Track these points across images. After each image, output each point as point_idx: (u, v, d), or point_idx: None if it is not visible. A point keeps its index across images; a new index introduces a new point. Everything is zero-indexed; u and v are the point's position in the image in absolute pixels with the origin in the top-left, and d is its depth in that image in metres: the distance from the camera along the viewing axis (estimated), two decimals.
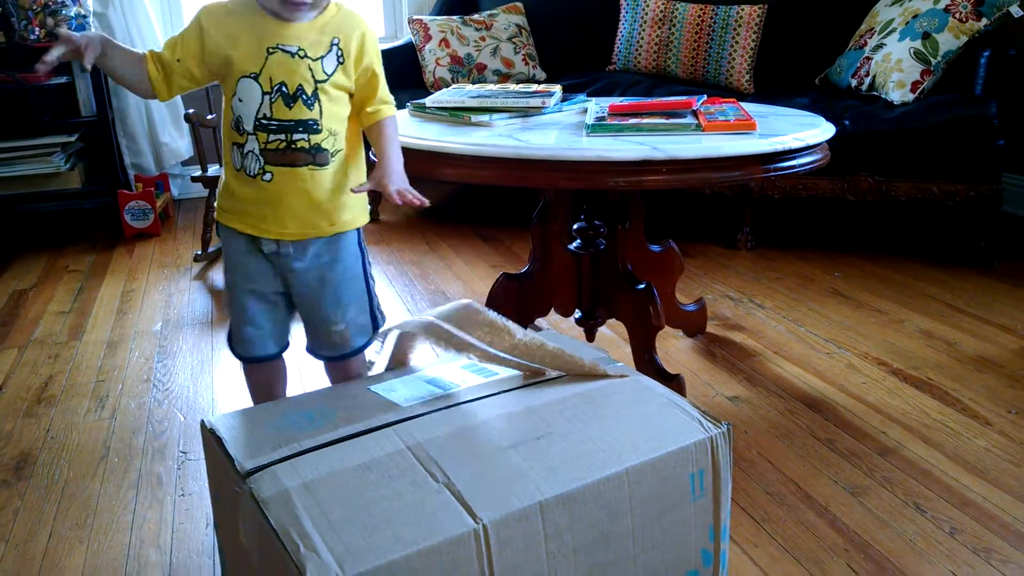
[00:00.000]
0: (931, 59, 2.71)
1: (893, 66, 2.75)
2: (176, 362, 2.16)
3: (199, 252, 2.97)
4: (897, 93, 2.73)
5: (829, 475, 1.57)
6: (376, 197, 3.46)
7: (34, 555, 1.40)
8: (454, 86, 2.06)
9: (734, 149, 1.50)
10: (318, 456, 1.08)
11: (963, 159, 2.59)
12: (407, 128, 1.72)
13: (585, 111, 1.86)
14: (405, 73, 3.45)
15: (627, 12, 3.34)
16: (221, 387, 2.01)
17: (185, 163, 3.83)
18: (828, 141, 1.69)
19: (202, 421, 1.20)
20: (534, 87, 1.98)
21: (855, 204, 2.82)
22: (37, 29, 3.10)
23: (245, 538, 1.08)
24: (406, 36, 3.69)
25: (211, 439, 1.17)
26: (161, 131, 3.63)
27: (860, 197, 2.71)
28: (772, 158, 1.55)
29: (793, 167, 1.59)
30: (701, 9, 3.18)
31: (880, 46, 2.83)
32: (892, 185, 2.67)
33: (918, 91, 2.72)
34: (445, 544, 0.94)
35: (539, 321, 2.28)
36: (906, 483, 1.54)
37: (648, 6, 3.27)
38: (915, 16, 2.78)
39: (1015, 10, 2.65)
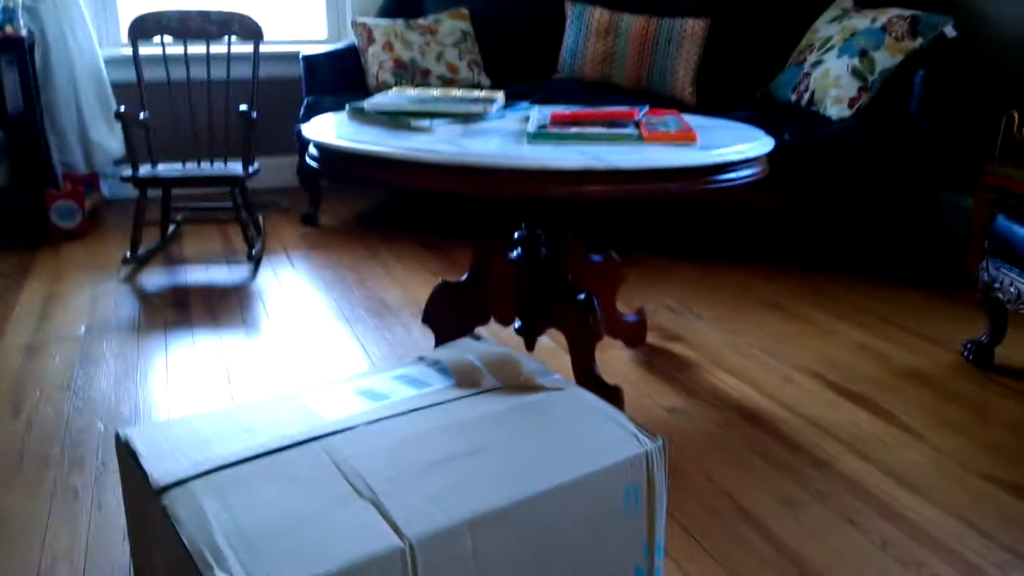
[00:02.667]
0: (868, 76, 2.76)
1: (831, 82, 2.80)
2: (99, 369, 2.07)
3: (128, 254, 2.86)
4: (835, 109, 2.77)
5: (764, 488, 1.57)
6: (316, 200, 3.40)
7: None
8: (395, 89, 2.02)
9: (675, 160, 1.50)
10: (238, 471, 1.03)
11: (898, 175, 2.64)
12: (345, 131, 1.68)
13: (527, 119, 1.84)
14: (347, 76, 3.40)
15: (572, 22, 3.34)
16: (145, 396, 1.93)
17: (118, 162, 3.70)
18: (767, 154, 1.69)
19: (116, 432, 1.14)
20: (476, 93, 1.95)
21: (794, 217, 2.85)
22: None
23: (158, 557, 1.03)
24: (349, 38, 3.63)
25: (125, 452, 1.11)
26: (92, 128, 3.51)
27: (798, 210, 2.75)
28: (712, 170, 1.55)
29: (733, 180, 1.59)
30: (646, 21, 3.20)
31: (819, 62, 2.88)
32: (830, 199, 2.71)
33: (855, 107, 2.77)
34: (369, 563, 0.90)
35: (478, 330, 2.25)
36: (840, 496, 1.54)
37: (593, 16, 3.28)
38: (853, 34, 2.83)
39: (949, 31, 2.72)
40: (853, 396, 1.94)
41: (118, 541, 1.40)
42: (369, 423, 1.14)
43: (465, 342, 1.39)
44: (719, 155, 1.53)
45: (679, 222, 2.96)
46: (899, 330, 2.33)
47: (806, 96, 2.89)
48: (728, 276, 2.78)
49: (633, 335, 2.21)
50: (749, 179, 1.64)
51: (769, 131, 1.91)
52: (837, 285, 2.69)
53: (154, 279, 2.74)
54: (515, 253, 1.89)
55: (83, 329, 2.32)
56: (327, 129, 1.70)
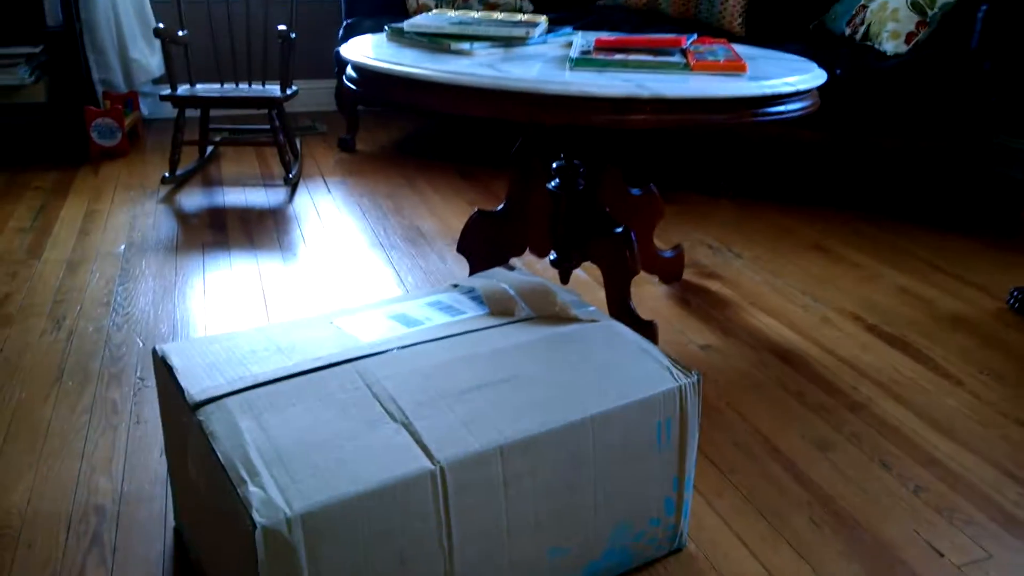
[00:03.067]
0: (927, 10, 2.63)
1: (888, 15, 2.68)
2: (138, 286, 2.10)
3: (167, 174, 2.87)
4: (891, 44, 2.66)
5: (797, 429, 1.55)
6: (354, 125, 3.37)
7: None
8: (435, 11, 1.97)
9: (722, 91, 1.44)
10: (272, 390, 1.03)
11: (954, 115, 2.55)
12: (383, 52, 1.64)
13: (570, 44, 1.79)
14: None
15: None
16: (182, 314, 1.96)
17: (156, 81, 3.69)
18: (819, 88, 1.63)
19: (154, 348, 1.15)
20: (519, 16, 1.90)
21: (841, 156, 2.77)
22: None
23: (194, 470, 1.04)
24: None
25: (162, 367, 1.12)
26: (131, 46, 3.49)
27: (846, 149, 2.67)
28: (761, 102, 1.49)
29: (782, 113, 1.54)
30: None
31: None
32: (881, 138, 2.62)
33: (912, 42, 2.65)
34: (399, 484, 0.91)
35: (513, 261, 2.24)
36: (874, 440, 1.52)
37: None
38: None
39: None
40: (893, 340, 1.91)
41: (156, 454, 1.43)
42: (402, 347, 1.13)
43: (499, 271, 1.37)
44: (769, 86, 1.48)
45: (722, 158, 2.89)
46: (944, 275, 2.27)
47: (861, 30, 2.77)
48: (769, 215, 2.72)
49: (670, 271, 2.18)
50: (799, 113, 1.58)
51: (821, 64, 1.84)
52: (882, 228, 2.62)
53: (192, 199, 2.75)
54: (553, 184, 1.86)
55: (122, 247, 2.34)
56: (365, 50, 1.66)
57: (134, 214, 2.60)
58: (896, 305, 2.09)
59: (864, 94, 2.59)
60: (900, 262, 2.36)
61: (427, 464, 0.92)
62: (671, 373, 1.11)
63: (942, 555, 1.24)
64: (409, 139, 3.60)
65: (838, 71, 2.56)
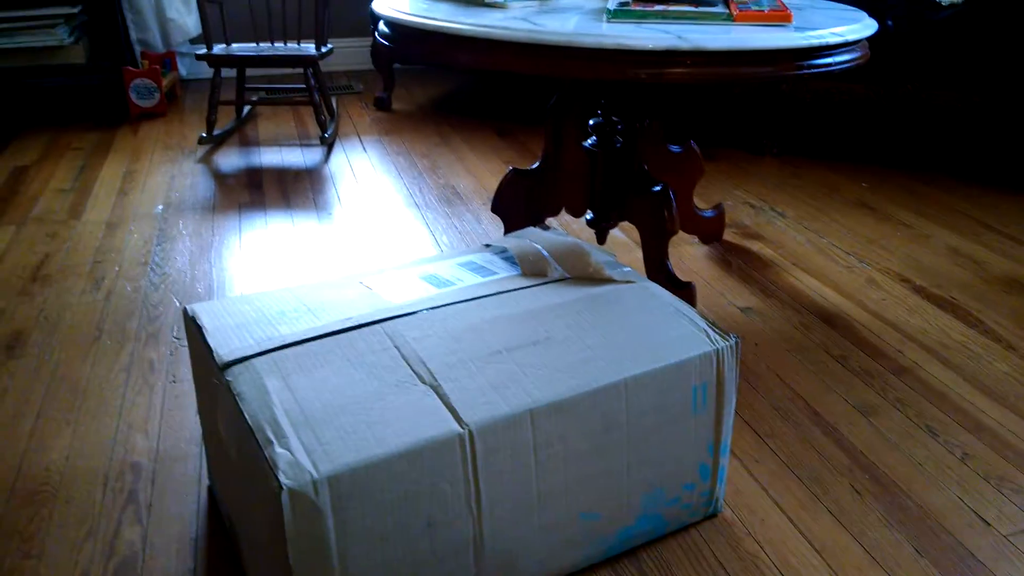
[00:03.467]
0: None
1: None
2: (175, 246, 2.10)
3: (204, 135, 2.88)
4: None
5: (840, 393, 1.51)
6: (389, 84, 3.33)
7: (20, 435, 1.38)
8: None
9: (767, 42, 1.38)
10: (300, 351, 1.02)
11: (1012, 70, 2.43)
12: (416, 6, 1.60)
13: None
14: None
15: None
16: (219, 274, 1.96)
17: (194, 41, 3.69)
18: (868, 40, 1.56)
19: (184, 308, 1.14)
20: None
21: (890, 111, 2.67)
22: None
23: (223, 430, 1.04)
24: None
25: (193, 327, 1.12)
26: (168, 6, 3.48)
27: (896, 104, 2.57)
28: (807, 54, 1.43)
29: (830, 65, 1.47)
30: None
31: None
32: (933, 93, 2.52)
33: None
34: (427, 447, 0.89)
35: (548, 221, 2.20)
36: (920, 405, 1.48)
37: None
38: None
39: None
40: (942, 302, 1.84)
41: (191, 413, 1.44)
42: (433, 308, 1.11)
43: (532, 231, 1.34)
44: (816, 37, 1.41)
45: (765, 113, 2.81)
46: (997, 236, 2.19)
47: None
48: (814, 173, 2.64)
49: (710, 231, 2.13)
50: (847, 65, 1.51)
51: (871, 14, 1.76)
52: (932, 186, 2.53)
53: (229, 160, 2.76)
54: (589, 141, 1.82)
55: (160, 207, 2.35)
56: (397, 4, 1.62)
57: (172, 174, 2.61)
58: (946, 266, 2.02)
59: (916, 46, 2.48)
60: (950, 221, 2.28)
61: (456, 427, 0.91)
62: (708, 336, 1.08)
63: (989, 524, 1.20)
64: (445, 97, 3.56)
65: (889, 21, 2.45)
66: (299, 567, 0.86)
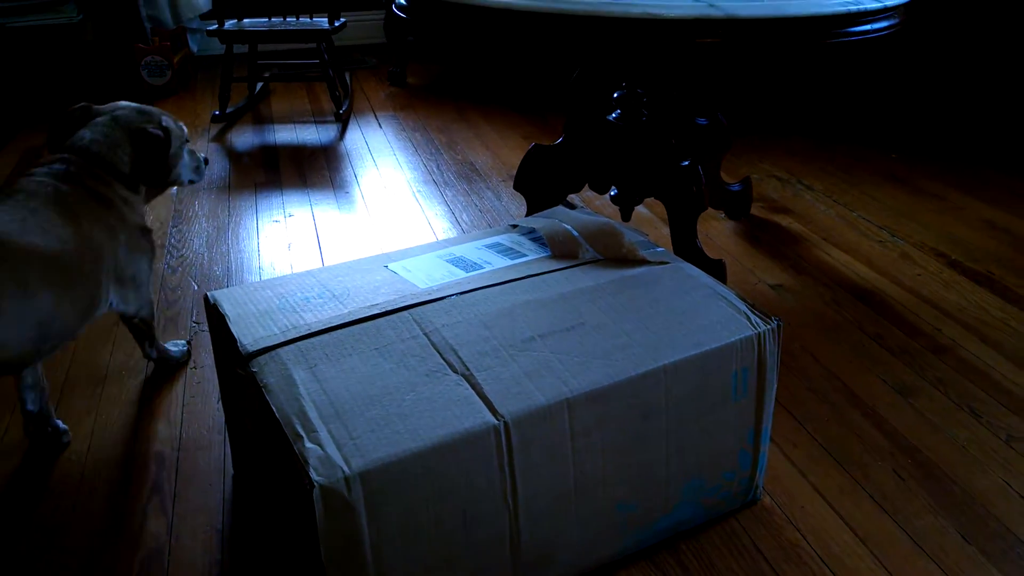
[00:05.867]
0: None
1: None
2: (192, 228, 2.07)
3: (217, 112, 2.83)
4: None
5: (877, 373, 1.46)
6: (403, 59, 3.27)
7: None
8: None
9: (801, 9, 1.33)
10: (327, 339, 0.99)
11: None
12: None
13: None
14: None
15: None
16: (237, 256, 1.93)
17: (204, 17, 3.63)
18: (906, 5, 1.50)
19: (205, 295, 1.11)
20: None
21: (925, 79, 2.60)
22: None
23: (249, 422, 1.01)
24: None
25: (215, 315, 1.08)
26: None
27: (931, 72, 2.50)
28: (844, 20, 1.37)
29: (867, 33, 1.41)
30: None
31: None
32: (970, 57, 2.44)
33: None
34: (461, 440, 0.86)
35: (571, 197, 2.15)
36: (960, 384, 1.43)
37: None
38: None
39: None
40: (979, 277, 1.79)
41: (213, 400, 1.42)
42: (462, 293, 1.08)
43: (561, 210, 1.30)
44: (853, 3, 1.35)
45: (794, 85, 2.74)
46: None
47: None
48: (842, 145, 2.57)
49: (737, 206, 2.08)
50: (884, 32, 1.45)
51: None
52: (965, 156, 2.46)
53: (243, 138, 2.71)
54: (614, 114, 1.76)
55: (175, 188, 2.32)
56: None
57: None
58: (981, 239, 1.96)
59: (953, 11, 2.40)
60: (985, 192, 2.21)
61: (490, 419, 0.87)
62: (749, 319, 1.04)
63: None
64: (462, 72, 3.49)
65: None
66: (332, 564, 0.83)
